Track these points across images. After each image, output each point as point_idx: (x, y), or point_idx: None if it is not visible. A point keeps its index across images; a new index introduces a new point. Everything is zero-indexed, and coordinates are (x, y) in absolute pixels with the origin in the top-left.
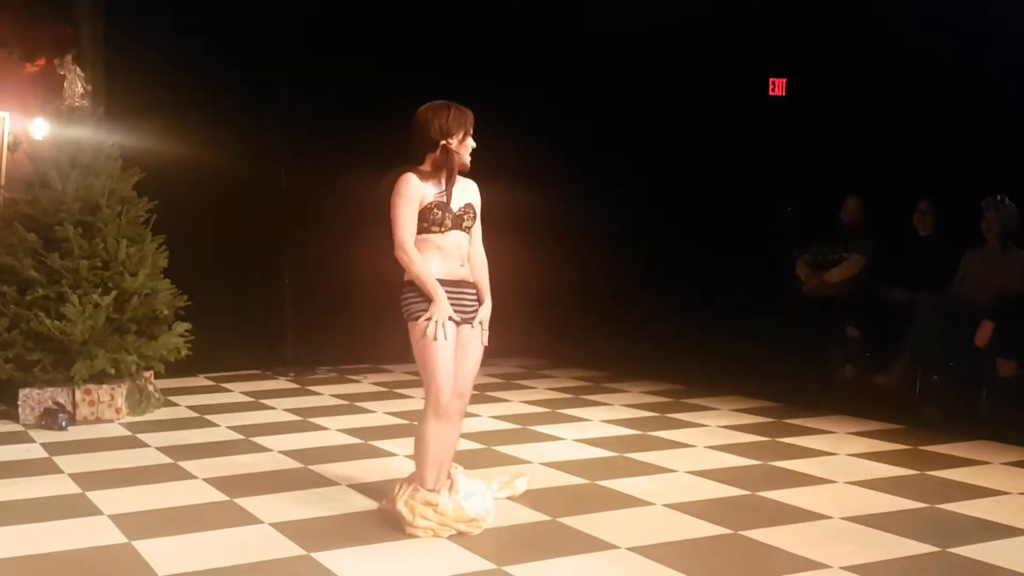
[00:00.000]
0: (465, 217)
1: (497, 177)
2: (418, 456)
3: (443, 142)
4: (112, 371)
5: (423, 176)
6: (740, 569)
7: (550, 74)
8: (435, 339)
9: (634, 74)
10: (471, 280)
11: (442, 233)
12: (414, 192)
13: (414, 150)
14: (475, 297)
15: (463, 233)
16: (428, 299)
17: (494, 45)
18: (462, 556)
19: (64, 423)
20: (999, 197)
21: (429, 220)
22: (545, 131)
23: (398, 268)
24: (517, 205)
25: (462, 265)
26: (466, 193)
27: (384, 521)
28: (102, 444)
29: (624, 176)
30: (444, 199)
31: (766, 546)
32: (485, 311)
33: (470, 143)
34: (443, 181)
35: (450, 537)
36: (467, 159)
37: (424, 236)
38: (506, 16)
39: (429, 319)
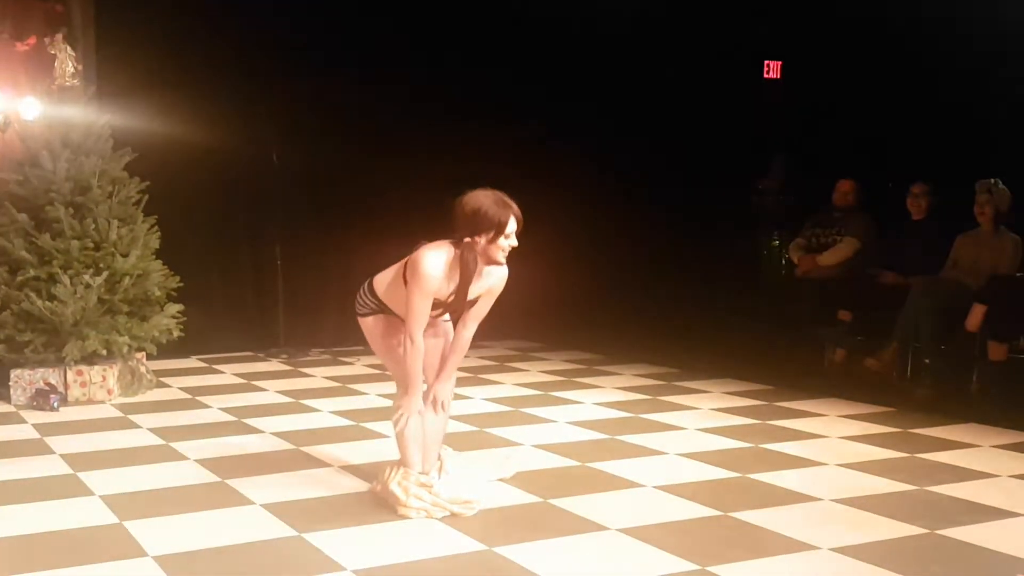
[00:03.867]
0: (458, 310)
1: (492, 165)
2: (400, 441)
3: (468, 239)
4: (104, 352)
5: (449, 260)
6: (730, 550)
7: (540, 61)
8: (399, 430)
9: (627, 60)
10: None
11: (435, 318)
12: (432, 286)
13: (452, 229)
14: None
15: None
16: (381, 312)
17: (480, 27)
18: (453, 537)
19: (56, 404)
20: (992, 180)
21: (432, 306)
22: (536, 116)
23: (390, 252)
24: (509, 190)
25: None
26: (478, 287)
27: (375, 503)
28: (94, 425)
29: (616, 162)
30: (452, 299)
31: (756, 527)
32: (446, 391)
33: (505, 243)
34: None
35: (441, 518)
36: (499, 259)
37: None
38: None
39: (399, 409)
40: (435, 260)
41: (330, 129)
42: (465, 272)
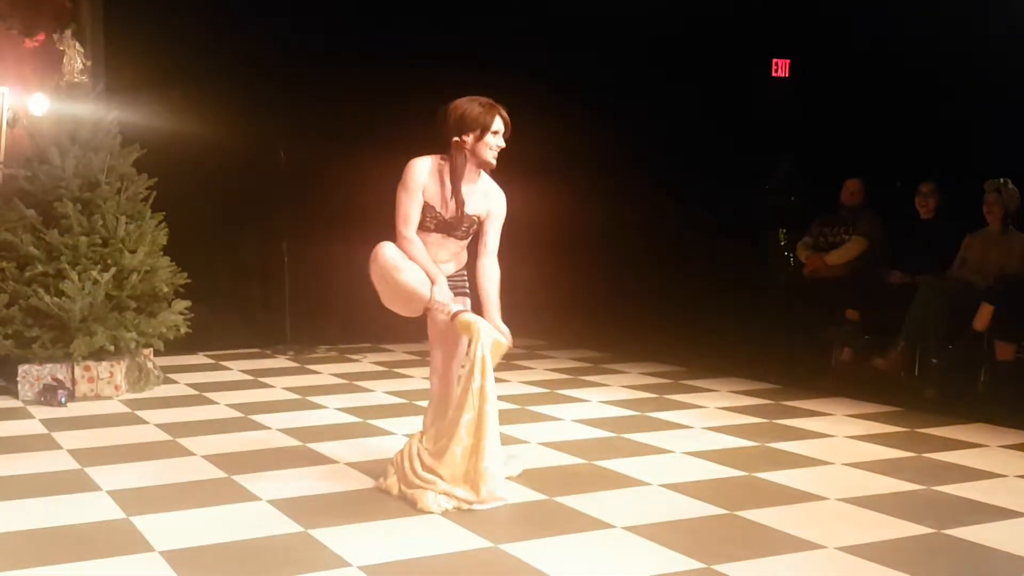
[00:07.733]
0: (457, 227)
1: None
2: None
3: (455, 139)
4: (111, 348)
5: (437, 166)
6: (736, 549)
7: (547, 61)
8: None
9: (634, 57)
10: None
11: (427, 232)
12: (416, 181)
13: (441, 142)
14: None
15: (453, 239)
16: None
17: (487, 26)
18: (460, 534)
19: (63, 399)
20: (1001, 180)
21: (422, 217)
22: (543, 115)
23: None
24: (516, 189)
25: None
26: (476, 203)
27: (382, 499)
28: (101, 421)
29: (625, 160)
30: (442, 206)
31: (762, 526)
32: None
33: (492, 141)
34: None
35: (447, 515)
36: (487, 157)
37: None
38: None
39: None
40: (421, 160)
41: (338, 126)
42: (455, 170)
